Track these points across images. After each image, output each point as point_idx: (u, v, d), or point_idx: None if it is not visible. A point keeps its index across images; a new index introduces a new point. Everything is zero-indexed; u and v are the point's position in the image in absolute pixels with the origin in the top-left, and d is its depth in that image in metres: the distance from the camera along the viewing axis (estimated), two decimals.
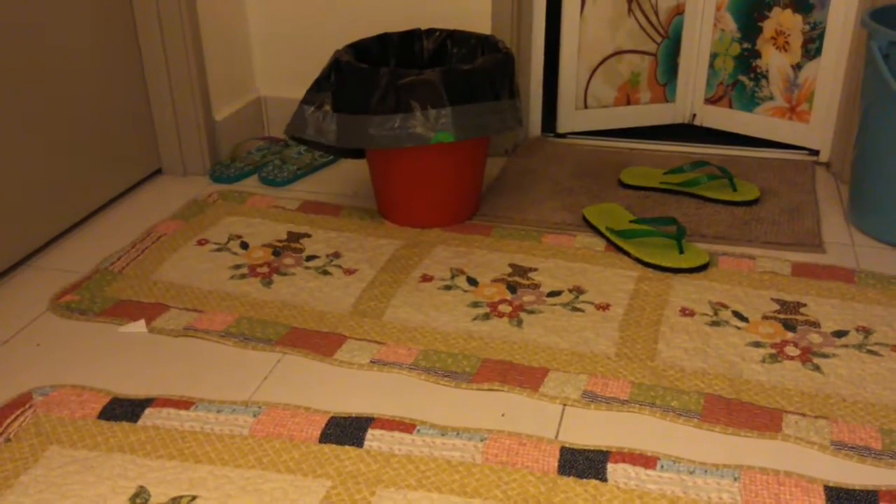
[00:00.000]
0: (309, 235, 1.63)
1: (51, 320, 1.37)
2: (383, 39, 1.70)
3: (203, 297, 1.43)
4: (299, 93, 1.65)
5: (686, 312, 1.35)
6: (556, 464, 1.04)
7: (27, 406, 1.16)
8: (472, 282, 1.46)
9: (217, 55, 1.91)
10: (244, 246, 1.59)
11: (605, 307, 1.37)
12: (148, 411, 1.15)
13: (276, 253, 1.56)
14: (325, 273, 1.50)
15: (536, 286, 1.44)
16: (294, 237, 1.62)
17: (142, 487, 1.02)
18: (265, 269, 1.51)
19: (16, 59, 1.49)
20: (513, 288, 1.44)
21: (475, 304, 1.39)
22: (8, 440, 1.10)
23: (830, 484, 1.00)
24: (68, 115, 1.63)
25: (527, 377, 1.21)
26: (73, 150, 1.65)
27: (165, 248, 1.58)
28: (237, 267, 1.52)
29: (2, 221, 1.48)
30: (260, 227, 1.66)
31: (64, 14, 1.59)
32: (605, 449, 1.06)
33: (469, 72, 1.51)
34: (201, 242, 1.60)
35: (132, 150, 1.83)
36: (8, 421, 1.13)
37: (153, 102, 1.85)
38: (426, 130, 1.49)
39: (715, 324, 1.32)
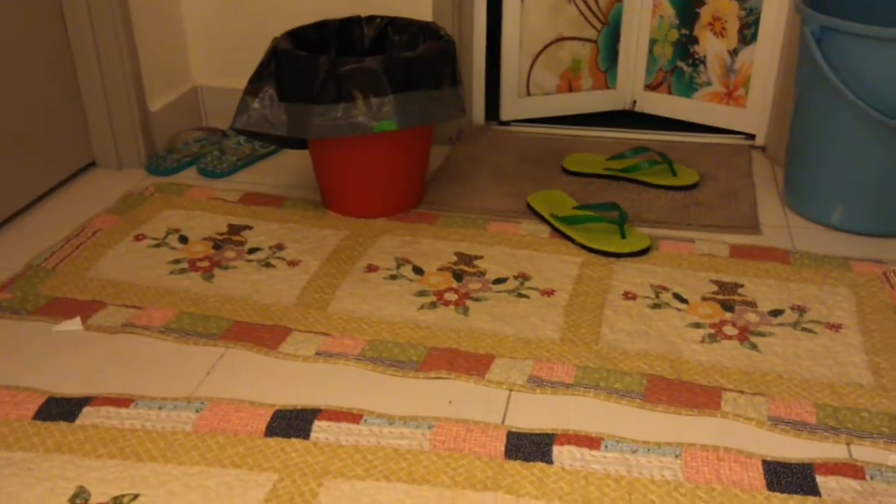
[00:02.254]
0: (250, 228, 1.60)
1: None
2: (322, 27, 1.68)
3: (141, 293, 1.39)
4: (237, 82, 1.62)
5: (629, 296, 1.37)
6: (502, 448, 1.05)
7: None
8: (418, 271, 1.45)
9: (150, 44, 1.86)
10: (183, 240, 1.56)
11: (549, 293, 1.39)
12: (86, 410, 1.12)
13: (217, 246, 1.54)
14: (268, 265, 1.48)
15: (482, 274, 1.44)
16: (235, 230, 1.60)
17: (81, 488, 1.00)
18: (206, 264, 1.48)
19: None
20: (458, 276, 1.44)
21: (421, 294, 1.39)
22: None
23: (768, 458, 1.03)
24: None
25: (473, 364, 1.21)
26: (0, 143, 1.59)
27: (101, 245, 1.54)
28: (176, 262, 1.49)
29: None
30: (200, 221, 1.63)
31: None
32: (550, 432, 1.07)
33: (411, 59, 1.50)
34: (139, 238, 1.57)
35: (63, 143, 1.77)
36: None
37: (84, 92, 1.79)
38: (369, 119, 1.47)
39: (656, 306, 1.34)
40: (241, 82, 1.57)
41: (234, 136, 1.94)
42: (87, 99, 1.80)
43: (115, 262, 1.48)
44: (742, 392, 1.15)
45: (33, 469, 1.02)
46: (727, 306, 1.34)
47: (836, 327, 1.29)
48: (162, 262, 1.49)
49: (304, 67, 1.48)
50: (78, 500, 0.98)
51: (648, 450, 1.04)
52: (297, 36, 1.62)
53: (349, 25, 1.70)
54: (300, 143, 1.70)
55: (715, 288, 1.39)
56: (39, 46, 1.67)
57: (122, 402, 1.13)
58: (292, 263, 1.48)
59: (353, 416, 1.10)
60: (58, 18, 1.71)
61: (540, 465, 1.02)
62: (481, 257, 1.49)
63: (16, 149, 1.63)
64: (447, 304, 1.36)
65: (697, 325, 1.29)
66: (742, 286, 1.40)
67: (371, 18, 1.70)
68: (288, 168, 1.87)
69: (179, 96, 1.99)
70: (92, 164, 1.87)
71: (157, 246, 1.54)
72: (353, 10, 1.82)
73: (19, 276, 1.44)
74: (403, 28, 1.68)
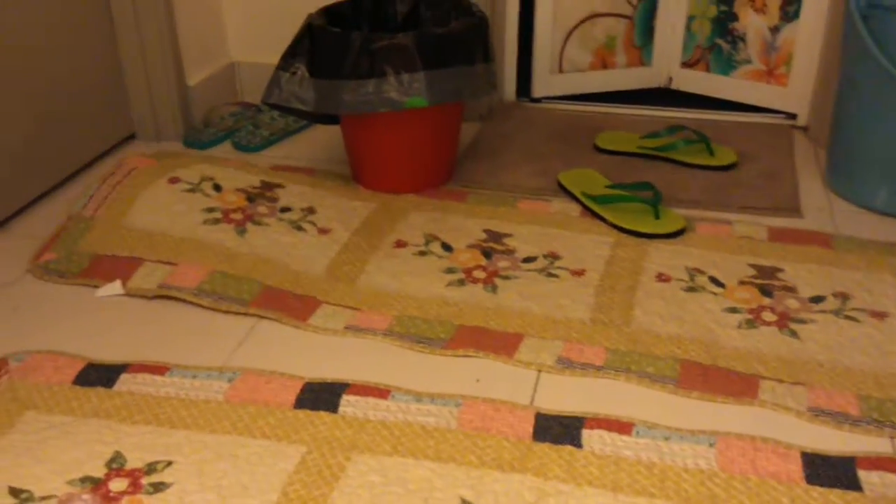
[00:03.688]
0: (282, 186, 1.60)
1: (27, 284, 1.35)
2: (356, 3, 1.66)
3: (175, 245, 1.39)
4: (272, 58, 1.61)
5: (662, 278, 1.35)
6: (531, 430, 1.04)
7: (2, 372, 1.14)
8: (447, 247, 1.45)
9: (189, 19, 1.87)
10: (217, 188, 1.56)
11: (580, 273, 1.37)
12: (123, 377, 1.13)
13: (251, 199, 1.54)
14: (300, 228, 1.47)
15: (511, 252, 1.43)
16: (268, 186, 1.60)
17: (118, 452, 1.01)
18: (239, 216, 1.48)
19: None
20: (488, 254, 1.43)
21: (450, 270, 1.38)
22: None
23: (807, 450, 1.00)
24: (38, 81, 1.58)
25: (501, 343, 1.20)
26: (44, 115, 1.61)
27: (136, 185, 1.54)
28: (210, 210, 1.49)
29: None
30: (233, 174, 1.62)
31: None
32: (580, 415, 1.06)
33: (443, 36, 1.48)
34: (173, 181, 1.56)
35: (104, 116, 1.79)
36: None
37: (125, 67, 1.82)
38: (400, 95, 1.46)
39: (691, 289, 1.32)
40: (277, 58, 1.57)
41: (269, 111, 1.94)
42: (127, 73, 1.82)
43: (149, 205, 1.48)
44: (781, 381, 1.12)
45: (72, 433, 1.04)
46: (766, 291, 1.32)
47: (881, 315, 1.25)
48: (196, 208, 1.48)
49: (338, 43, 1.47)
50: (114, 465, 0.99)
51: (682, 437, 1.02)
52: (331, 12, 1.62)
53: (382, 2, 1.68)
54: (332, 119, 1.69)
55: (753, 272, 1.36)
56: (81, 22, 1.68)
57: (158, 369, 1.15)
58: (323, 231, 1.47)
59: (381, 392, 1.10)
60: None
61: (569, 448, 1.01)
62: (511, 235, 1.48)
63: (59, 121, 1.65)
64: (476, 281, 1.35)
65: (734, 310, 1.27)
66: (782, 271, 1.37)
67: None
68: (320, 143, 1.87)
69: (216, 71, 2.00)
70: (131, 137, 1.89)
71: (191, 191, 1.54)
72: None
73: (62, 229, 1.46)
74: (436, 4, 1.66)
